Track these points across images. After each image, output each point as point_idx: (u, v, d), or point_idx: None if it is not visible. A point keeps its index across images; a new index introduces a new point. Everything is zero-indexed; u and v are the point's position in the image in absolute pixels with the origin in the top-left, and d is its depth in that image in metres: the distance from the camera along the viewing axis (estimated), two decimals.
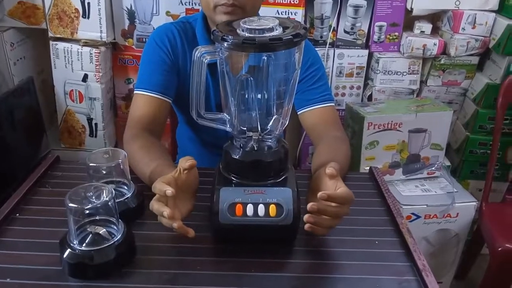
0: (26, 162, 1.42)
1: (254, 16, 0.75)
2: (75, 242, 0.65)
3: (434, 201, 1.37)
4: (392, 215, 0.79)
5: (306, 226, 0.66)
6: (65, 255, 0.64)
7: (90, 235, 0.66)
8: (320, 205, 0.65)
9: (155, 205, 0.66)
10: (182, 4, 1.42)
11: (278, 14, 1.44)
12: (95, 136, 1.54)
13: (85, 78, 1.45)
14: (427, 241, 1.43)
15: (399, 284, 0.65)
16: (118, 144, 1.62)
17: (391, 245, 0.73)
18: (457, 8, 1.46)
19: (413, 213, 1.36)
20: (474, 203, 1.39)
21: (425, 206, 1.36)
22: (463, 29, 1.46)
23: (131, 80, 1.54)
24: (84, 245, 0.65)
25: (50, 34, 1.44)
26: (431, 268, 0.67)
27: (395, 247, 0.72)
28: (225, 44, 0.65)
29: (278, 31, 0.67)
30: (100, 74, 1.44)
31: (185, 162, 0.70)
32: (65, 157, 0.98)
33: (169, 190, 0.65)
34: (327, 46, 1.53)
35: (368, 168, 0.97)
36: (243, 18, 0.71)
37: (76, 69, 1.44)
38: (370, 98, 1.59)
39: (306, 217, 0.66)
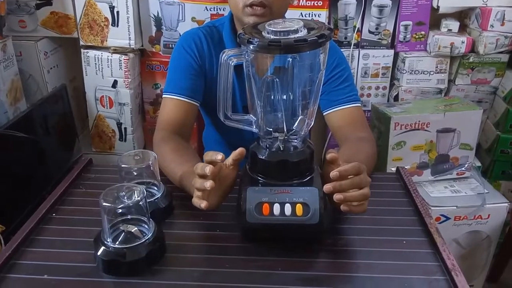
0: (59, 165, 1.47)
1: (281, 17, 0.76)
2: (108, 240, 0.67)
3: (464, 202, 1.34)
4: (420, 215, 0.79)
5: (341, 206, 0.67)
6: (99, 253, 0.67)
7: (123, 233, 0.69)
8: (335, 184, 0.66)
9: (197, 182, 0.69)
10: (208, 10, 1.45)
11: (302, 16, 1.45)
12: (125, 140, 1.58)
13: (114, 84, 1.49)
14: (457, 243, 1.40)
15: (428, 284, 0.65)
16: (147, 147, 1.66)
17: (420, 245, 0.72)
18: (485, 5, 1.43)
19: (442, 215, 1.34)
20: (506, 204, 1.35)
21: (455, 207, 1.33)
22: (492, 26, 1.43)
23: (159, 85, 1.57)
24: (117, 243, 0.67)
25: (81, 43, 1.49)
26: (462, 270, 0.66)
27: (423, 246, 0.72)
28: (251, 46, 0.66)
29: (303, 33, 0.67)
30: (129, 80, 1.48)
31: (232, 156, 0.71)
32: (96, 160, 1.01)
33: (219, 157, 0.67)
34: (352, 47, 1.52)
35: (394, 169, 0.97)
36: (270, 19, 0.72)
37: (106, 76, 1.49)
38: (396, 98, 1.57)
39: (335, 196, 0.66)
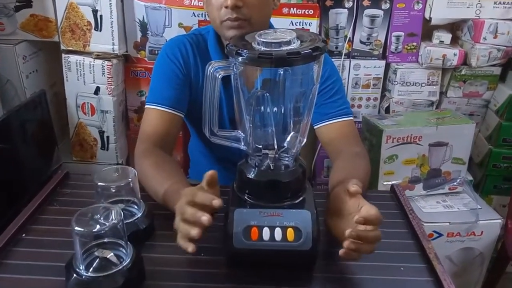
0: (37, 175, 1.40)
1: (263, 27, 0.71)
2: (81, 268, 0.61)
3: (457, 218, 1.31)
4: (417, 239, 0.74)
5: (342, 252, 0.62)
6: (70, 281, 0.61)
7: (97, 259, 0.63)
8: (360, 231, 0.61)
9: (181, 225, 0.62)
10: (195, 16, 1.40)
11: (292, 25, 1.41)
12: (107, 149, 1.51)
13: (97, 90, 1.43)
14: (450, 260, 1.36)
15: None
16: (130, 157, 1.59)
17: (418, 272, 0.68)
18: (477, 17, 1.42)
19: (435, 231, 1.30)
20: (499, 221, 1.32)
21: (448, 223, 1.30)
22: (484, 38, 1.41)
23: (143, 92, 1.52)
24: (91, 270, 0.61)
25: (62, 47, 1.43)
26: None
27: (422, 274, 0.67)
28: (240, 58, 0.61)
29: (295, 45, 0.63)
30: (112, 86, 1.42)
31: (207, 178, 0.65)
32: (76, 170, 0.96)
33: (205, 217, 0.59)
34: (343, 57, 1.49)
35: (386, 183, 0.93)
36: (251, 31, 0.67)
37: (88, 82, 1.43)
38: (387, 110, 1.54)
39: (347, 243, 0.61)
